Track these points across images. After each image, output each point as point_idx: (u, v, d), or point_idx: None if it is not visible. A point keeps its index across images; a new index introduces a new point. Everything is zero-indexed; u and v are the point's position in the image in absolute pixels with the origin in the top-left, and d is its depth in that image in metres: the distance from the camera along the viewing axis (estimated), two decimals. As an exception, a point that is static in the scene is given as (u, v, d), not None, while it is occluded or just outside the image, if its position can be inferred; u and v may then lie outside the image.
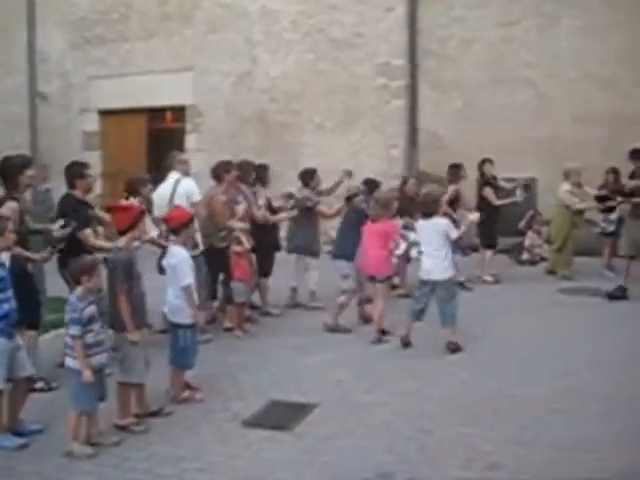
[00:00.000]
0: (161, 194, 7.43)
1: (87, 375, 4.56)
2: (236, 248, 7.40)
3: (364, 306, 7.75)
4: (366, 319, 7.61)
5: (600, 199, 10.04)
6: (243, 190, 7.93)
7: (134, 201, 6.95)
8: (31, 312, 5.59)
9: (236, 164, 8.09)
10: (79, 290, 4.69)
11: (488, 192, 9.85)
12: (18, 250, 5.42)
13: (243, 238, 7.42)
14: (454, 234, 6.77)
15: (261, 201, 8.14)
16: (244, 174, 8.03)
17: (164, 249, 6.21)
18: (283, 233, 8.87)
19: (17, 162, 5.76)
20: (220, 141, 13.40)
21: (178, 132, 14.05)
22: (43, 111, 14.90)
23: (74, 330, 4.59)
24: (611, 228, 10.04)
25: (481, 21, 11.96)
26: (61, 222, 5.93)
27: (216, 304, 8.02)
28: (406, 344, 6.77)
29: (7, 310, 4.82)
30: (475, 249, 11.02)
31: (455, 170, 9.78)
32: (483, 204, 9.82)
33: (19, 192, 5.69)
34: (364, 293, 7.69)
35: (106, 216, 6.23)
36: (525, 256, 11.34)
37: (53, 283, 6.62)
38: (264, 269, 8.20)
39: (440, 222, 6.80)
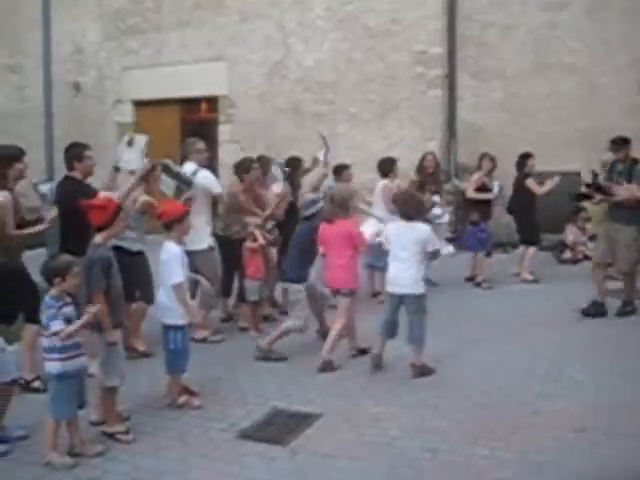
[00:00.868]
0: (169, 184, 7.06)
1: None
2: (250, 244, 7.05)
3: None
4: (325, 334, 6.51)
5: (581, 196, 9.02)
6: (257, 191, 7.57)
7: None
8: (28, 306, 5.39)
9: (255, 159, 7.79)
10: (53, 291, 4.40)
11: (531, 182, 9.25)
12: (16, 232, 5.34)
13: (257, 234, 7.07)
14: (432, 246, 5.81)
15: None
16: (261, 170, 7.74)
17: None
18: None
19: (6, 154, 5.53)
20: (253, 132, 13.10)
21: (211, 123, 13.80)
22: (78, 102, 14.81)
23: (55, 325, 4.29)
24: None
25: (524, 5, 11.35)
26: (55, 210, 5.74)
27: (232, 301, 7.70)
28: (377, 365, 5.91)
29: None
30: (514, 245, 10.51)
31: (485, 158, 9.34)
32: (523, 198, 9.28)
33: (9, 184, 5.44)
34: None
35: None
36: (567, 254, 10.68)
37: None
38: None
39: (420, 229, 5.81)
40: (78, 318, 4.39)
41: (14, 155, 5.55)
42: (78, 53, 14.79)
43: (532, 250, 9.41)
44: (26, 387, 5.49)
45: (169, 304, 5.14)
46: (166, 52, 13.92)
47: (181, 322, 5.15)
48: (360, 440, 4.65)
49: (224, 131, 13.64)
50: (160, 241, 5.34)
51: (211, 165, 8.42)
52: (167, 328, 5.19)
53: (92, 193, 5.85)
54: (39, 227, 5.62)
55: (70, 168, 6.10)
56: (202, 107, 14.40)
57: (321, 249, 6.22)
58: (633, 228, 7.27)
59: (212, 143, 13.73)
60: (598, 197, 7.73)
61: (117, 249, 5.39)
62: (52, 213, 5.76)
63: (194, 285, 6.09)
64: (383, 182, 8.51)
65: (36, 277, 5.12)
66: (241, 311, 7.39)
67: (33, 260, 5.45)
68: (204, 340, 6.75)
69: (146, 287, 6.31)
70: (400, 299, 5.82)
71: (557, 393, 5.36)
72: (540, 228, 9.57)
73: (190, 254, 5.75)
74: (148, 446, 4.63)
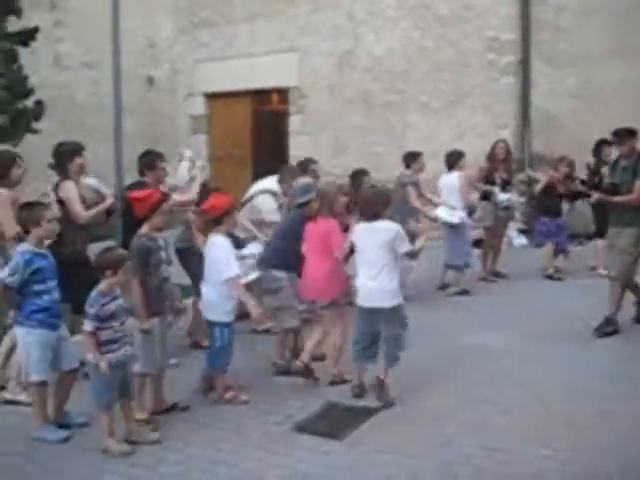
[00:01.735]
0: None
1: (103, 367, 4.32)
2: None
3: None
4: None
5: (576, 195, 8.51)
6: None
7: None
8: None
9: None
10: (102, 285, 4.45)
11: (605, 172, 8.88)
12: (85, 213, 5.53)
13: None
14: (403, 247, 5.02)
15: None
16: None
17: None
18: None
19: (67, 149, 5.66)
20: (323, 123, 13.06)
21: (282, 114, 13.82)
22: (151, 96, 15.08)
23: (87, 326, 4.37)
24: None
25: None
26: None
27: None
28: (357, 395, 5.17)
29: (48, 301, 4.67)
30: (590, 237, 10.12)
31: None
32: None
33: (71, 178, 5.57)
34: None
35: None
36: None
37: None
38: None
39: (385, 228, 5.00)
40: (126, 311, 4.49)
41: (73, 150, 5.68)
42: (151, 47, 15.03)
43: (601, 243, 9.05)
44: (87, 375, 5.61)
45: (216, 300, 5.06)
46: (237, 44, 13.98)
47: (227, 319, 5.10)
48: (416, 436, 4.55)
49: (294, 122, 13.63)
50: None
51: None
52: (213, 325, 5.13)
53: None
54: (102, 206, 5.74)
55: (142, 175, 6.20)
56: (273, 98, 14.45)
57: (304, 247, 5.53)
58: (632, 230, 6.33)
59: (283, 134, 13.84)
60: (596, 196, 6.88)
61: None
62: (109, 200, 5.86)
63: None
64: (457, 173, 8.36)
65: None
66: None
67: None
68: (268, 331, 6.72)
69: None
70: (371, 313, 5.09)
71: (627, 394, 5.10)
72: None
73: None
74: (204, 436, 4.66)
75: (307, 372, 5.40)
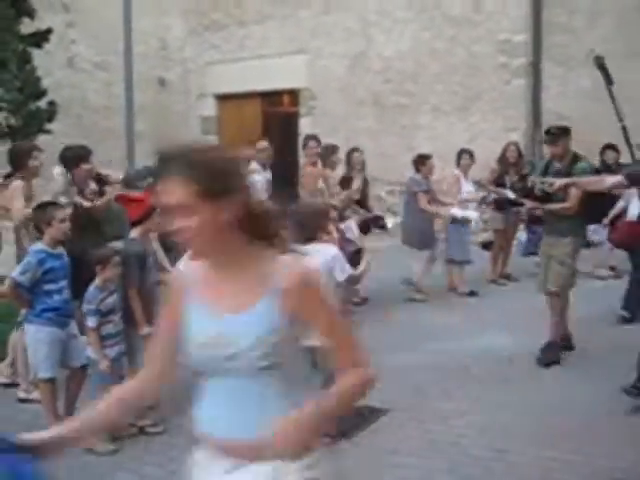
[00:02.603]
0: None
1: (104, 365, 4.39)
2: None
3: None
4: None
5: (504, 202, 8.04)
6: None
7: None
8: None
9: None
10: (98, 280, 4.55)
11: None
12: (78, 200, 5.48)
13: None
14: (341, 274, 4.34)
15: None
16: None
17: None
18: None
19: (73, 155, 5.68)
20: (334, 124, 13.04)
21: (292, 116, 13.85)
22: (163, 97, 15.15)
23: (90, 322, 4.45)
24: None
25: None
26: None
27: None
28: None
29: (58, 301, 4.70)
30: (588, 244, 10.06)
31: None
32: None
33: (77, 183, 5.61)
34: None
35: None
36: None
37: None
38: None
39: (322, 252, 4.23)
40: (120, 308, 4.58)
41: (80, 155, 5.67)
42: (163, 49, 15.12)
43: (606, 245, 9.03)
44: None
45: None
46: (248, 46, 14.05)
47: None
48: (426, 437, 4.56)
49: (305, 124, 13.65)
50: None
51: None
52: None
53: None
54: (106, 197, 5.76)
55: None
56: (283, 100, 14.50)
57: None
58: (568, 240, 5.77)
59: (293, 136, 13.85)
60: (529, 204, 6.20)
61: None
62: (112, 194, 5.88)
63: None
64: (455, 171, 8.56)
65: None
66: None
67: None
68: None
69: None
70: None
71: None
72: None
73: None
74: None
75: None
